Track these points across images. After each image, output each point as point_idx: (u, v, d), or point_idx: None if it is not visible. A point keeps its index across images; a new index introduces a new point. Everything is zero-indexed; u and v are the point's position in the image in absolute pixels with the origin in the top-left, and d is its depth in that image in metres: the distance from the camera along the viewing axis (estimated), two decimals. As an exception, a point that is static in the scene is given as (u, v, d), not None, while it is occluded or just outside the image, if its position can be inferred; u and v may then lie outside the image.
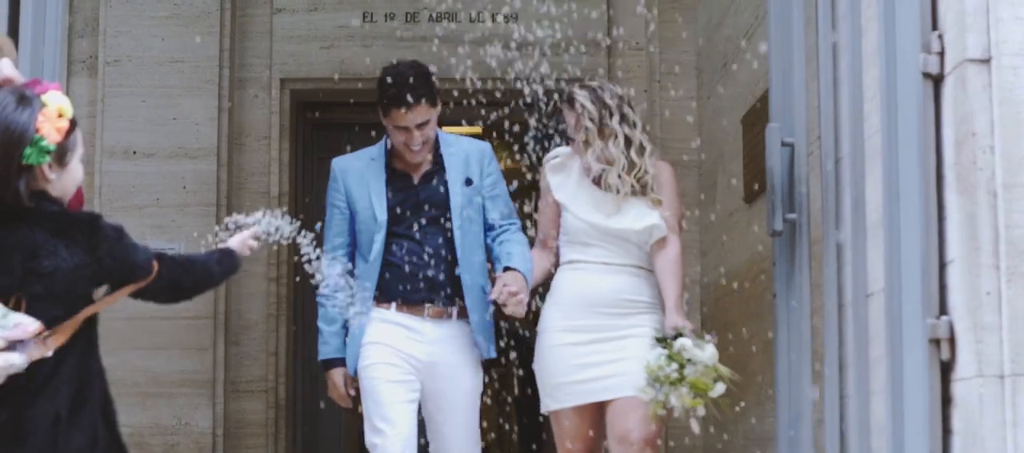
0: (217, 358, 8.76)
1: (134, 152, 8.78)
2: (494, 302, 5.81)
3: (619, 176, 5.80)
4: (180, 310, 8.54)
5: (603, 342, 5.77)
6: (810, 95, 5.07)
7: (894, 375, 4.32)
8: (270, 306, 9.03)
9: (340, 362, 6.00)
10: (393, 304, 5.91)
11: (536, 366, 5.93)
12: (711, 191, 8.57)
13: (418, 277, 5.89)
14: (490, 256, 6.08)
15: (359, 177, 6.00)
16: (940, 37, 4.25)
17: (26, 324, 3.87)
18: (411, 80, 5.81)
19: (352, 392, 5.98)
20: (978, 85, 4.06)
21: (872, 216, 4.61)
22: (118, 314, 8.40)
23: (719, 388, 5.41)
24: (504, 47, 8.88)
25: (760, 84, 6.91)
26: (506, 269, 5.85)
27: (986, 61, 4.06)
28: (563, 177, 5.98)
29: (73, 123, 3.91)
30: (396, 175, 6.00)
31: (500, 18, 9.24)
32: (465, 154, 6.04)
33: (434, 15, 9.19)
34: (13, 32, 4.90)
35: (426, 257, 5.88)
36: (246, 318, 8.97)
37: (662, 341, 5.56)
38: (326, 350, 6.04)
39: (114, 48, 8.83)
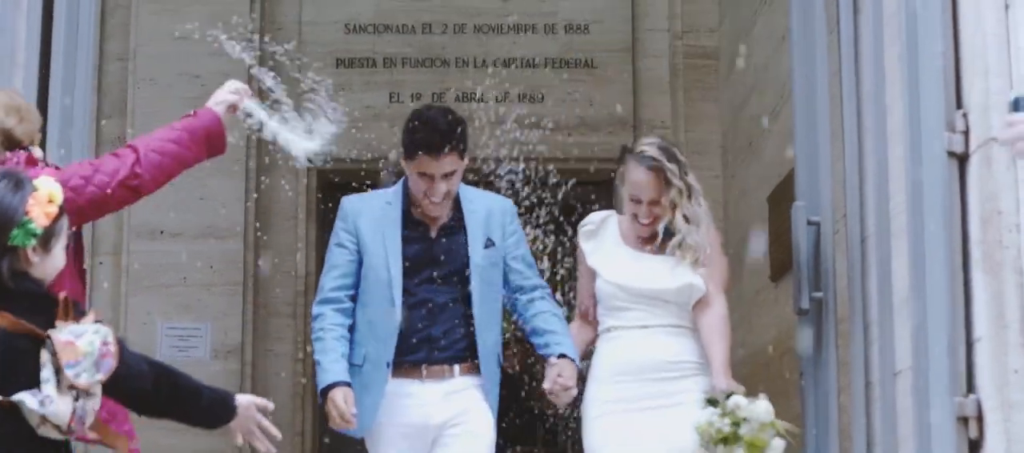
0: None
1: (161, 232, 8.82)
2: (544, 392, 5.33)
3: (702, 238, 5.40)
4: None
5: (652, 411, 5.29)
6: (835, 174, 5.08)
7: (922, 454, 4.30)
8: (296, 385, 9.03)
9: (343, 384, 5.29)
10: (398, 370, 5.34)
11: (586, 445, 5.45)
12: (738, 269, 8.56)
13: (422, 337, 5.34)
14: (510, 315, 5.65)
15: (373, 222, 5.45)
16: (965, 116, 4.26)
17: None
18: (443, 125, 5.32)
19: (354, 410, 5.25)
20: (1003, 164, 4.07)
21: (899, 294, 4.61)
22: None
23: (777, 445, 4.96)
24: (530, 127, 8.93)
25: (785, 163, 6.92)
26: (561, 356, 5.32)
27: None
28: (597, 243, 5.59)
29: (61, 210, 3.96)
30: (411, 225, 5.44)
31: (526, 99, 9.28)
32: (486, 211, 5.52)
33: (461, 95, 9.23)
34: (42, 111, 4.95)
35: (435, 316, 5.35)
36: (272, 396, 8.94)
37: (713, 402, 5.09)
38: (326, 377, 5.33)
39: (142, 129, 8.87)
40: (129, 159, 4.67)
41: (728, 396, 5.03)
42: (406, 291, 5.32)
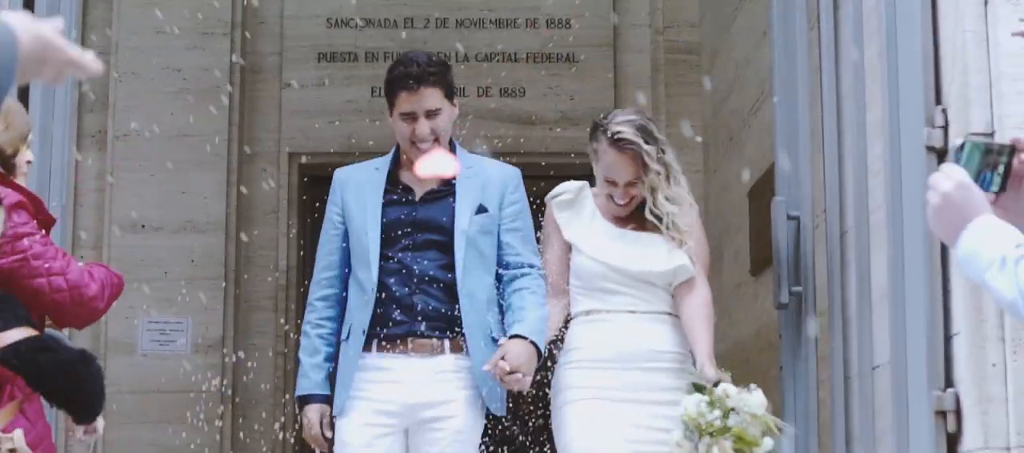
0: (224, 432, 8.75)
1: (142, 226, 8.81)
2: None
3: (682, 220, 5.12)
4: (188, 384, 8.62)
5: (643, 404, 4.96)
6: (815, 169, 5.10)
7: (900, 448, 4.32)
8: (277, 380, 9.02)
9: (320, 399, 5.13)
10: (373, 344, 5.07)
11: (556, 437, 5.09)
12: (717, 263, 8.57)
13: (403, 308, 5.04)
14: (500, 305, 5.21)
15: (358, 189, 5.21)
16: (944, 111, 4.28)
17: None
18: (421, 60, 5.11)
19: (329, 434, 5.10)
20: (982, 159, 4.08)
21: (877, 289, 4.63)
22: (125, 388, 8.45)
23: (767, 444, 4.62)
24: (510, 122, 8.95)
25: (766, 158, 6.93)
26: (512, 337, 4.95)
27: (990, 135, 4.08)
28: (572, 214, 5.23)
29: None
30: (398, 190, 5.18)
31: (507, 93, 9.29)
32: (485, 178, 5.20)
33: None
34: (23, 104, 4.93)
35: (415, 285, 5.05)
36: (253, 392, 8.96)
37: (700, 388, 4.69)
38: (305, 384, 5.17)
39: (123, 123, 8.87)
40: (91, 289, 4.41)
41: (715, 384, 4.68)
42: (387, 258, 5.06)
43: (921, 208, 4.25)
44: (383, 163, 5.25)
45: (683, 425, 4.65)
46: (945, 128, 4.27)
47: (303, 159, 9.30)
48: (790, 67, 5.18)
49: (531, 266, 5.17)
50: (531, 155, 8.72)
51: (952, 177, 2.72)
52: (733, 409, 4.61)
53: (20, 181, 4.38)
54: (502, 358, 4.87)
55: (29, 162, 4.49)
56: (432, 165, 5.20)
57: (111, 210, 8.78)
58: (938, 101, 4.31)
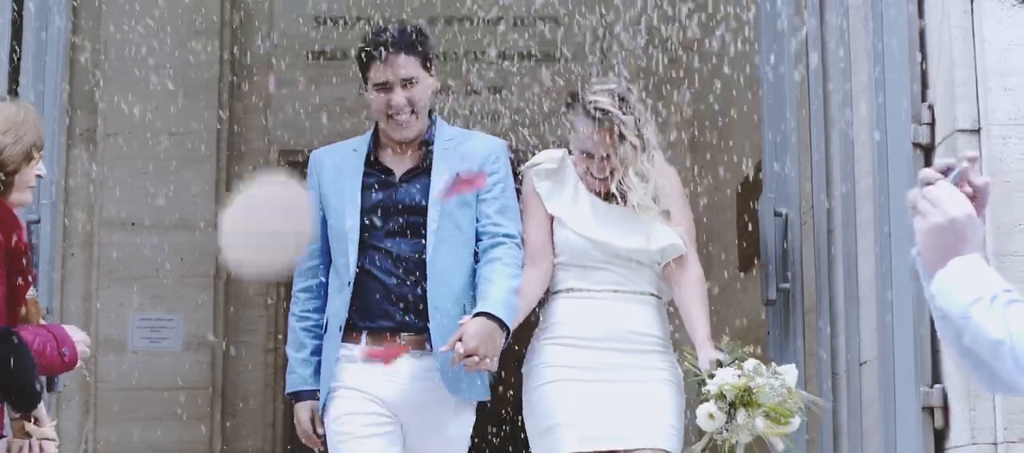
0: (214, 429, 8.76)
1: (133, 224, 8.81)
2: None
3: (654, 198, 4.80)
4: (178, 381, 8.63)
5: (615, 383, 4.69)
6: (803, 166, 5.12)
7: (887, 443, 4.34)
8: (267, 377, 9.04)
9: (309, 395, 4.87)
10: (364, 337, 4.76)
11: (525, 414, 4.84)
12: (706, 261, 8.59)
13: (389, 301, 4.73)
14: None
15: (335, 172, 4.90)
16: (930, 108, 4.30)
17: None
18: (394, 29, 4.82)
19: (321, 431, 4.84)
20: (968, 155, 4.10)
21: (865, 285, 4.65)
22: (116, 386, 8.46)
23: (796, 422, 4.39)
24: (500, 119, 8.96)
25: (754, 155, 6.96)
26: (476, 315, 4.62)
27: (976, 131, 4.11)
28: (554, 186, 4.90)
29: None
30: (376, 171, 4.86)
31: (496, 92, 9.31)
32: (465, 149, 4.88)
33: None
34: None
35: (399, 276, 4.75)
36: (243, 389, 8.97)
37: (722, 365, 4.46)
38: (293, 380, 4.92)
39: (113, 121, 8.87)
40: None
41: (719, 362, 4.48)
42: (371, 245, 4.75)
43: (908, 204, 4.28)
44: (361, 143, 4.94)
45: (715, 398, 4.40)
46: (932, 125, 4.29)
47: (293, 156, 9.31)
48: (777, 65, 5.20)
49: (508, 236, 4.81)
50: (519, 152, 8.73)
51: (963, 206, 2.67)
52: (769, 384, 4.38)
53: (18, 197, 4.13)
54: (459, 339, 4.55)
55: (39, 176, 4.24)
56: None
57: (101, 208, 8.79)
58: (924, 98, 4.33)
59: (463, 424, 4.83)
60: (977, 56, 4.12)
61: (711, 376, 4.45)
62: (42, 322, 4.28)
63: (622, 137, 4.73)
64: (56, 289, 6.54)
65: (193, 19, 8.94)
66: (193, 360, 8.71)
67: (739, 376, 4.37)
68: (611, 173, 4.78)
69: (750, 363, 4.42)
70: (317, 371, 4.87)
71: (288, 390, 5.00)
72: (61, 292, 7.96)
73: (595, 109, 4.74)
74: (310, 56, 9.32)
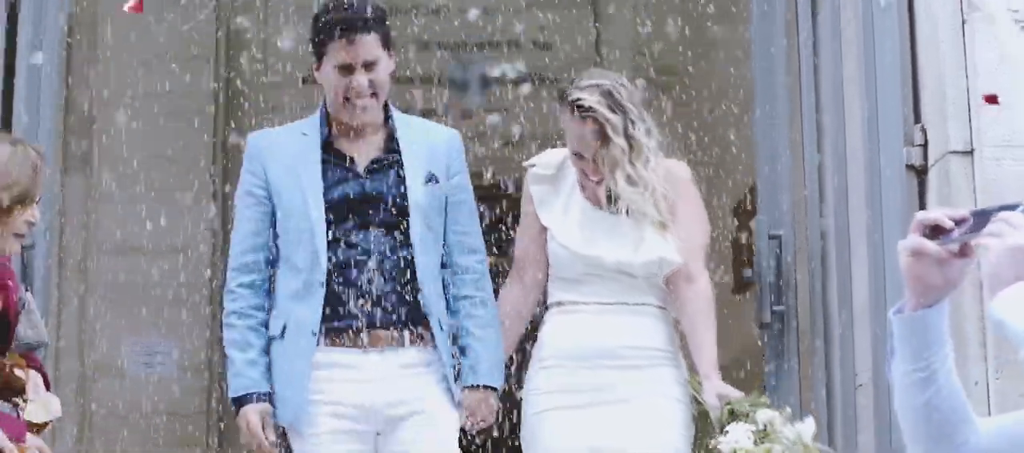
0: (209, 454, 8.76)
1: (127, 248, 8.81)
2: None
3: (655, 205, 4.45)
4: (173, 406, 8.61)
5: (612, 405, 4.38)
6: (796, 188, 5.12)
7: (883, 465, 4.34)
8: (262, 401, 9.02)
9: (260, 397, 4.38)
10: (327, 337, 4.38)
11: (522, 441, 4.57)
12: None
13: (358, 297, 4.37)
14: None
15: (285, 158, 4.48)
16: (923, 130, 4.31)
17: None
18: (355, 10, 4.42)
19: (272, 437, 4.40)
20: (961, 177, 4.12)
21: (859, 308, 4.65)
22: (113, 411, 8.44)
23: None
24: (496, 143, 8.99)
25: (747, 177, 6.96)
26: (473, 387, 4.43)
27: (969, 153, 4.12)
28: (550, 190, 4.60)
29: None
30: (334, 159, 4.48)
31: (491, 115, 9.33)
32: (430, 143, 4.54)
33: (425, 112, 9.26)
34: (7, 128, 4.90)
35: (371, 271, 4.38)
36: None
37: (734, 414, 4.20)
38: (241, 383, 4.40)
39: (108, 145, 8.87)
40: None
41: (731, 411, 4.23)
42: (334, 240, 4.37)
43: (901, 226, 4.28)
44: (311, 128, 4.54)
45: None
46: (924, 147, 4.30)
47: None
48: (769, 87, 5.20)
49: (473, 252, 4.53)
50: (516, 175, 8.74)
51: None
52: (781, 441, 4.15)
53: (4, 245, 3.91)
54: (469, 415, 4.42)
55: (32, 224, 3.99)
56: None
57: (96, 233, 8.78)
58: (917, 119, 4.34)
59: (448, 420, 4.45)
60: (969, 77, 4.13)
61: (723, 432, 4.19)
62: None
63: (606, 138, 4.41)
64: (51, 314, 6.53)
65: (188, 45, 8.96)
66: (188, 385, 8.70)
67: (754, 432, 4.14)
68: (630, 182, 4.44)
69: (764, 414, 4.19)
70: (267, 372, 4.42)
71: (234, 393, 4.46)
72: (57, 317, 7.95)
73: (577, 106, 4.45)
74: (302, 82, 9.34)
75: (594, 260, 4.46)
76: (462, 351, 4.48)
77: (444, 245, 4.51)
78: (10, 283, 3.97)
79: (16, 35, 5.22)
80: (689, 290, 4.46)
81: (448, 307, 4.51)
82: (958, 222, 2.51)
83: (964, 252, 2.51)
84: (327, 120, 4.52)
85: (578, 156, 4.49)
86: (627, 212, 4.44)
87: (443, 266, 4.51)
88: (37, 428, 3.94)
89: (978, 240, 2.45)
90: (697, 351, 4.43)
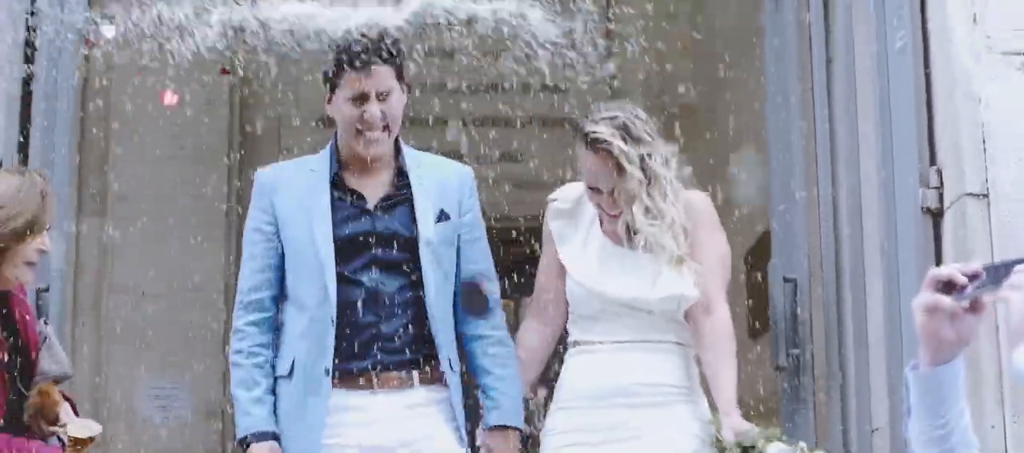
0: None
1: (142, 292, 8.83)
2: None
3: (674, 238, 4.32)
4: (189, 449, 8.60)
5: (627, 443, 4.29)
6: (811, 231, 5.11)
7: (899, 510, 4.32)
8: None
9: (268, 436, 4.28)
10: (337, 378, 4.27)
11: None
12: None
13: (364, 336, 4.27)
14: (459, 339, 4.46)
15: (294, 195, 4.39)
16: (938, 172, 4.29)
17: None
18: (372, 35, 4.37)
19: None
20: (977, 219, 4.10)
21: (875, 351, 4.63)
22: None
23: None
24: (511, 185, 9.00)
25: (762, 220, 6.95)
26: (493, 428, 4.38)
27: (984, 196, 4.10)
28: (569, 225, 4.53)
29: None
30: (344, 195, 4.40)
31: (506, 158, 9.34)
32: (441, 179, 4.46)
33: (441, 154, 9.28)
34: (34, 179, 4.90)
35: (381, 311, 4.29)
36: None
37: (746, 450, 4.13)
38: (248, 423, 4.29)
39: (123, 188, 8.90)
40: None
41: (741, 446, 4.14)
42: (343, 278, 4.27)
43: (917, 269, 4.27)
44: (320, 163, 4.47)
45: None
46: (940, 189, 4.28)
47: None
48: (784, 129, 5.20)
49: (495, 304, 4.46)
50: (531, 218, 8.73)
51: None
52: None
53: (13, 273, 3.91)
54: None
55: (43, 252, 3.97)
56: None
57: (111, 275, 8.80)
58: (933, 162, 4.32)
59: (457, 449, 4.36)
60: (984, 119, 4.12)
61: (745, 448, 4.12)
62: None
63: (622, 170, 4.31)
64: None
65: (203, 89, 8.99)
66: (204, 428, 8.70)
67: None
68: (649, 216, 4.35)
69: (775, 448, 4.12)
70: (274, 412, 4.32)
71: (241, 433, 4.34)
72: (71, 360, 7.96)
73: (592, 140, 4.35)
74: (318, 123, 9.36)
75: (610, 297, 4.38)
76: (482, 391, 4.42)
77: (457, 283, 4.42)
78: (28, 317, 4.01)
79: (32, 78, 5.24)
80: (707, 323, 4.35)
81: (463, 344, 4.44)
82: (971, 277, 2.50)
83: (975, 307, 2.50)
84: (337, 155, 4.45)
85: (594, 190, 4.41)
86: (645, 247, 4.34)
87: (456, 304, 4.43)
88: (82, 444, 3.96)
89: (998, 295, 2.44)
90: (715, 386, 4.32)
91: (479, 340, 4.44)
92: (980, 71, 4.16)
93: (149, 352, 8.66)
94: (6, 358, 3.90)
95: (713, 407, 4.37)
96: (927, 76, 4.35)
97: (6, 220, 3.85)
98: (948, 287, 2.50)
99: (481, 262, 4.46)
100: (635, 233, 4.36)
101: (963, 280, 2.49)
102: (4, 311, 3.93)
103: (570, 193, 4.56)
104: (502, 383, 4.41)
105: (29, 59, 5.18)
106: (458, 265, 4.41)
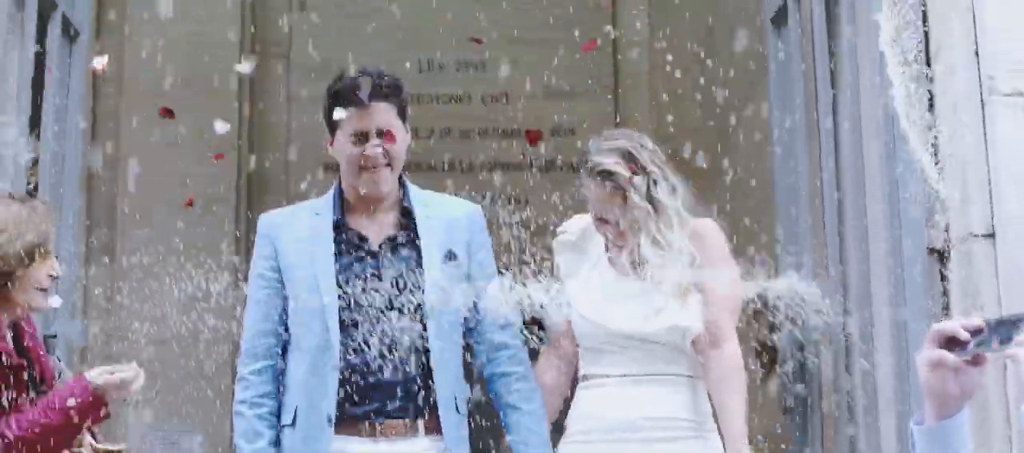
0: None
1: (151, 339, 8.82)
2: None
3: (681, 268, 4.26)
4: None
5: None
6: (818, 272, 5.11)
7: (908, 551, 4.30)
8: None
9: None
10: (339, 425, 4.21)
11: None
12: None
13: (367, 382, 4.17)
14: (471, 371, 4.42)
15: (297, 239, 4.31)
16: (944, 212, 4.29)
17: None
18: (371, 71, 4.32)
19: None
20: (983, 259, 4.10)
21: (883, 391, 4.62)
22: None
23: None
24: (516, 230, 8.99)
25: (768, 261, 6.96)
26: None
27: (990, 236, 4.10)
28: (575, 258, 4.45)
29: None
30: (348, 239, 4.31)
31: (512, 203, 9.33)
32: (448, 219, 4.35)
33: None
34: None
35: (384, 357, 4.19)
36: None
37: None
38: None
39: (131, 236, 8.91)
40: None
41: None
42: (346, 323, 4.19)
43: (924, 310, 4.26)
44: (324, 207, 4.39)
45: None
46: (946, 229, 4.28)
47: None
48: (791, 171, 5.21)
49: (505, 327, 4.34)
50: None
51: None
52: None
53: (25, 299, 3.97)
54: None
55: (53, 276, 4.05)
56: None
57: (119, 324, 8.80)
58: (938, 202, 4.33)
59: None
60: (990, 158, 4.12)
61: None
62: None
63: (627, 200, 4.28)
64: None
65: (209, 134, 9.02)
66: (212, 475, 8.70)
67: None
68: (655, 245, 4.29)
69: None
70: None
71: None
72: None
73: (598, 170, 4.30)
74: (326, 168, 9.38)
75: (614, 329, 4.30)
76: (508, 428, 4.35)
77: (474, 323, 4.33)
78: (41, 352, 4.05)
79: (40, 123, 5.26)
80: (714, 355, 4.25)
81: (488, 385, 4.38)
82: (973, 332, 2.52)
83: (977, 361, 2.53)
84: (341, 199, 4.39)
85: (601, 221, 4.36)
86: (651, 277, 4.27)
87: (471, 344, 4.35)
88: None
89: (1008, 352, 2.45)
90: (724, 420, 4.23)
91: (503, 378, 4.37)
92: (985, 110, 4.16)
93: (159, 399, 8.65)
94: (25, 376, 3.95)
95: None
96: (932, 113, 4.35)
97: (13, 240, 3.91)
98: (951, 342, 2.53)
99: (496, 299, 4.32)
100: (643, 264, 4.29)
101: (966, 335, 2.51)
102: (17, 340, 4.01)
103: (577, 225, 4.50)
104: (528, 418, 4.33)
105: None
106: (474, 304, 4.30)
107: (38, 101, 5.22)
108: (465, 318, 4.33)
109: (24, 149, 5.02)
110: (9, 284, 3.94)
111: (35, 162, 5.20)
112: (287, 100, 9.60)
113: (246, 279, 8.70)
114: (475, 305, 4.30)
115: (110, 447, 4.03)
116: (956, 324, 2.55)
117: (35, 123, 5.22)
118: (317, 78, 9.37)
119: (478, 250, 4.37)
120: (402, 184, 4.43)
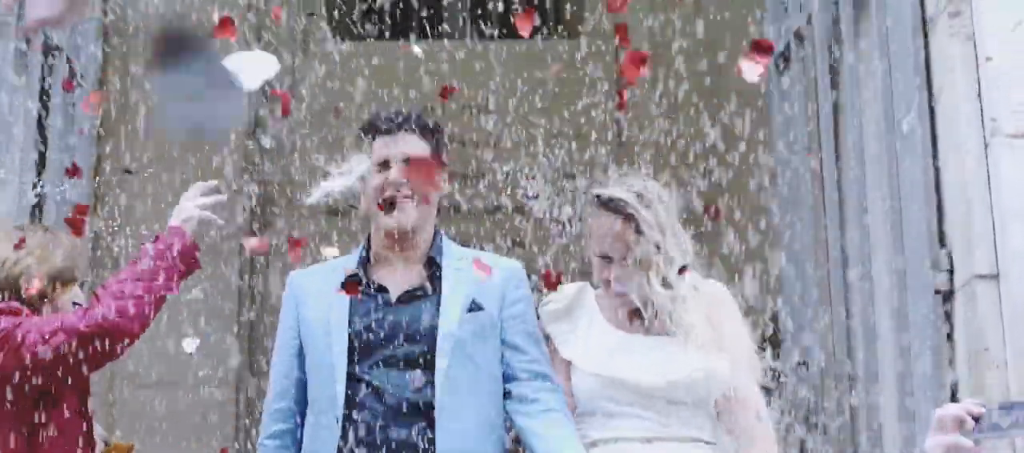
0: None
1: (153, 381, 8.82)
2: None
3: (692, 317, 3.94)
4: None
5: None
6: (823, 315, 5.10)
7: None
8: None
9: None
10: None
11: None
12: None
13: (373, 441, 3.90)
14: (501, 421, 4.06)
15: (319, 294, 4.12)
16: (949, 254, 4.29)
17: None
18: (396, 112, 4.16)
19: None
20: (987, 301, 4.09)
21: (888, 433, 4.61)
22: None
23: None
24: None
25: (772, 305, 6.95)
26: None
27: (995, 277, 4.10)
28: (569, 325, 4.08)
29: None
30: (367, 290, 4.07)
31: (516, 246, 9.35)
32: (481, 274, 4.05)
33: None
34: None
35: (389, 412, 3.92)
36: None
37: None
38: None
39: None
40: (88, 309, 3.93)
41: None
42: (356, 378, 3.95)
43: (930, 350, 4.26)
44: (349, 262, 4.20)
45: None
46: (950, 271, 4.28)
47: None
48: (795, 212, 5.21)
49: (541, 378, 3.99)
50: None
51: None
52: None
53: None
54: None
55: (77, 304, 4.05)
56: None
57: (121, 366, 8.79)
58: (942, 243, 4.33)
59: None
60: (993, 200, 4.12)
61: None
62: None
63: (640, 232, 3.95)
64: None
65: (211, 176, 9.04)
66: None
67: None
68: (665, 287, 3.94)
69: None
70: None
71: None
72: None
73: (607, 201, 3.99)
74: (330, 211, 9.40)
75: (627, 384, 3.90)
76: (542, 444, 3.93)
77: (511, 376, 4.01)
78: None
79: (43, 170, 5.28)
80: (743, 414, 3.86)
81: (522, 437, 3.99)
82: (976, 418, 2.63)
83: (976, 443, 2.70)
84: (367, 250, 4.17)
85: (604, 259, 4.01)
86: (655, 328, 3.97)
87: (507, 396, 4.02)
88: (121, 449, 4.06)
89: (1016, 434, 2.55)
90: None
91: (548, 415, 3.97)
92: (988, 152, 4.17)
93: (160, 441, 8.64)
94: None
95: None
96: (935, 158, 4.36)
97: (39, 262, 3.99)
98: (956, 423, 2.64)
99: (532, 352, 4.05)
100: (648, 308, 3.98)
101: (971, 422, 2.60)
102: None
103: (563, 294, 4.16)
104: (560, 427, 3.94)
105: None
106: (504, 360, 4.01)
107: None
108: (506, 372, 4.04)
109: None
110: (38, 309, 3.95)
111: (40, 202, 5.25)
112: (294, 162, 9.64)
113: (251, 322, 8.67)
114: (510, 359, 4.02)
115: (121, 443, 4.10)
116: (961, 410, 2.68)
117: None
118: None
119: (511, 304, 4.05)
120: (439, 237, 4.19)
